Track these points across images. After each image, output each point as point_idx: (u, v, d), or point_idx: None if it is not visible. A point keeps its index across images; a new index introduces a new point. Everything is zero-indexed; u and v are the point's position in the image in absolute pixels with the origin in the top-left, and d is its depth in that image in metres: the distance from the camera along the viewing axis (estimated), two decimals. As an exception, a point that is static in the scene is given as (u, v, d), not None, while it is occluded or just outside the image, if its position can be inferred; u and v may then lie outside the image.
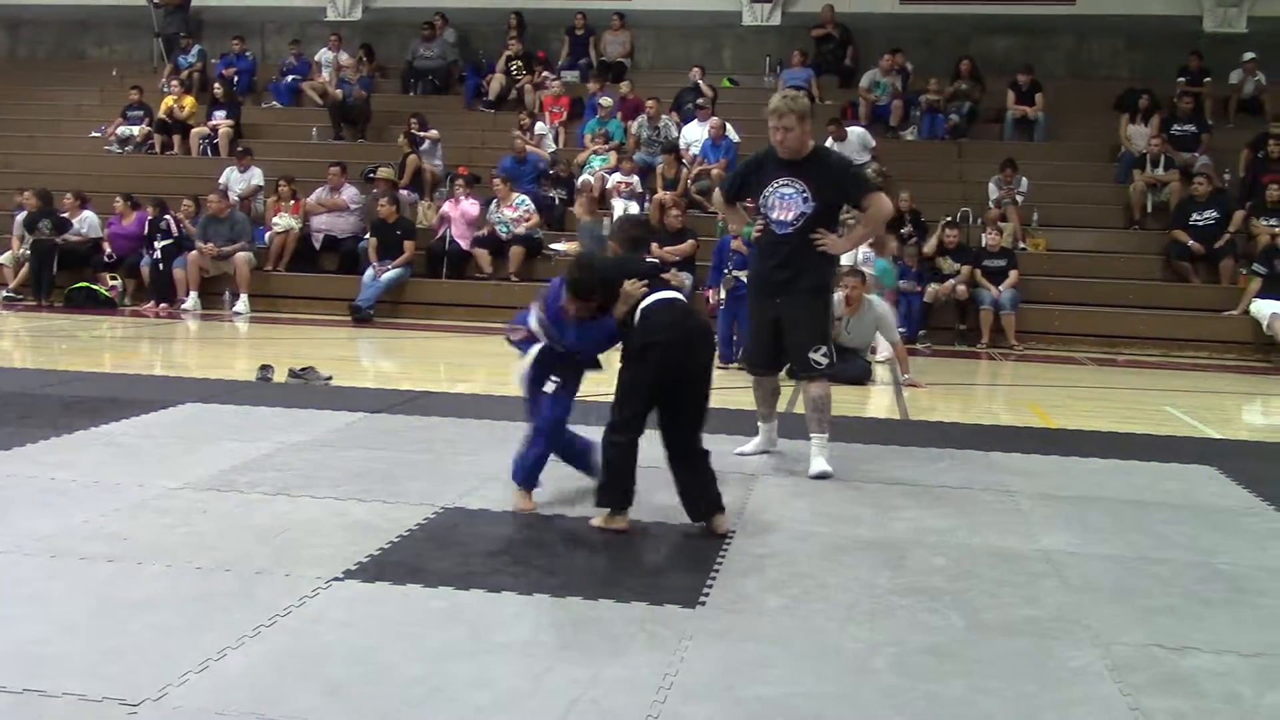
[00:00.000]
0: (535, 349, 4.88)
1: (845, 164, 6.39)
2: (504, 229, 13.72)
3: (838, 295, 9.38)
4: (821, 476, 5.63)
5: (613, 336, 4.69)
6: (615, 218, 12.83)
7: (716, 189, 6.46)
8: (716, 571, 4.05)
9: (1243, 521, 5.13)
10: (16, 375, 8.20)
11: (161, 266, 13.60)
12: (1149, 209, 14.28)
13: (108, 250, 13.94)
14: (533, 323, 4.87)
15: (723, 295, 9.95)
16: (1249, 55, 16.31)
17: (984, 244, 12.90)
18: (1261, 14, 17.41)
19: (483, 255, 13.61)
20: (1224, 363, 11.84)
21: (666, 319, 4.55)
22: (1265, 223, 13.05)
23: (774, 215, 5.69)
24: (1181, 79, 15.99)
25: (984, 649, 3.43)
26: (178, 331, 12.32)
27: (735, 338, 9.75)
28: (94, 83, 19.29)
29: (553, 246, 13.73)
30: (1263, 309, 12.05)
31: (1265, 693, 3.19)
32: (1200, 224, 13.25)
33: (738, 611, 3.69)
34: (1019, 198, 14.13)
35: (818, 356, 5.72)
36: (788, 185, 5.65)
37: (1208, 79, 16.14)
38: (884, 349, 9.80)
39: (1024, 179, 14.27)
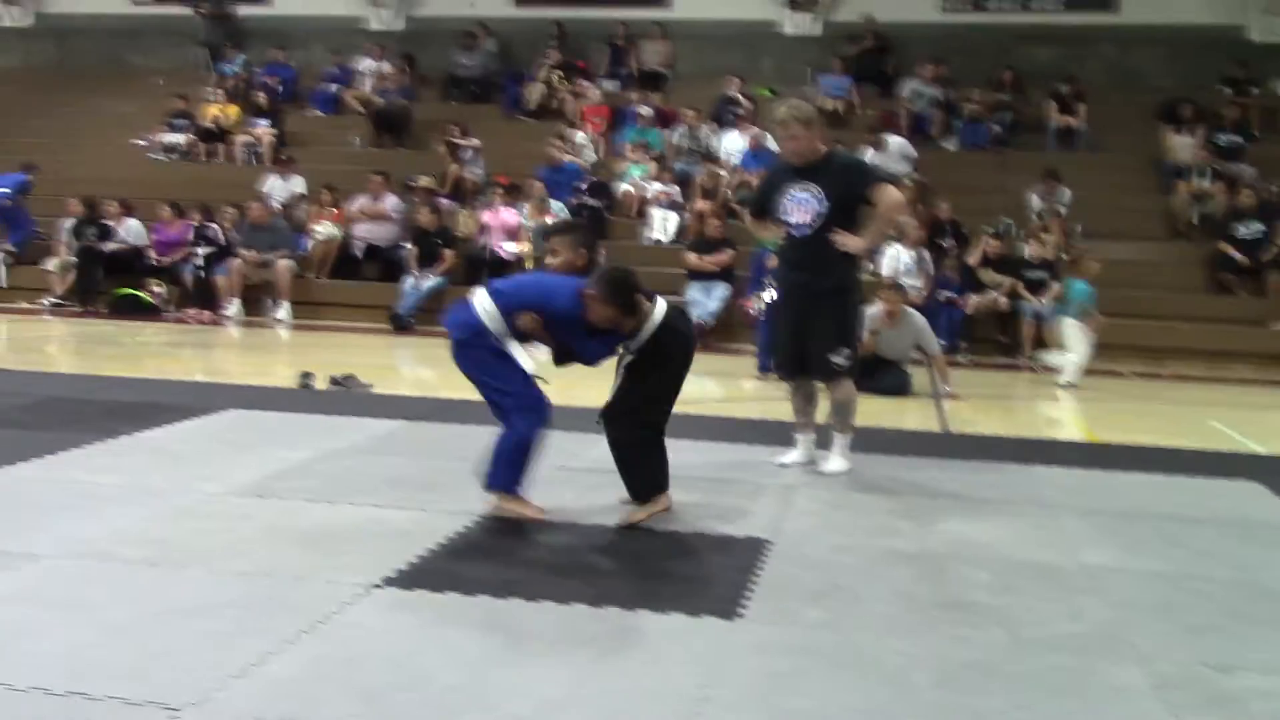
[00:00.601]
0: (539, 349, 4.90)
1: (853, 161, 6.47)
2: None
3: (876, 308, 9.36)
4: (837, 474, 5.73)
5: (614, 347, 4.77)
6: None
7: (745, 207, 6.63)
8: (755, 583, 4.03)
9: (1290, 538, 5.06)
10: (62, 380, 8.31)
11: (204, 273, 13.73)
12: (1193, 220, 14.12)
13: (152, 257, 14.09)
14: (486, 320, 4.77)
15: (763, 306, 9.94)
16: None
17: (1025, 255, 12.81)
18: (1309, 23, 17.20)
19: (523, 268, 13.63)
20: (1270, 377, 11.68)
21: (685, 327, 4.94)
22: (1312, 235, 12.89)
23: (791, 219, 5.79)
24: (1226, 89, 15.83)
25: (1026, 665, 3.40)
26: (220, 338, 12.43)
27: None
28: (139, 91, 19.50)
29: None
30: (1310, 322, 11.89)
31: (1313, 713, 3.14)
32: (1246, 236, 13.10)
33: (776, 624, 3.67)
34: (1061, 209, 14.02)
35: (839, 359, 5.76)
36: (802, 189, 5.75)
37: (1256, 89, 15.96)
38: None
39: (1066, 190, 14.15)
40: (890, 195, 5.89)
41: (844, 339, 5.83)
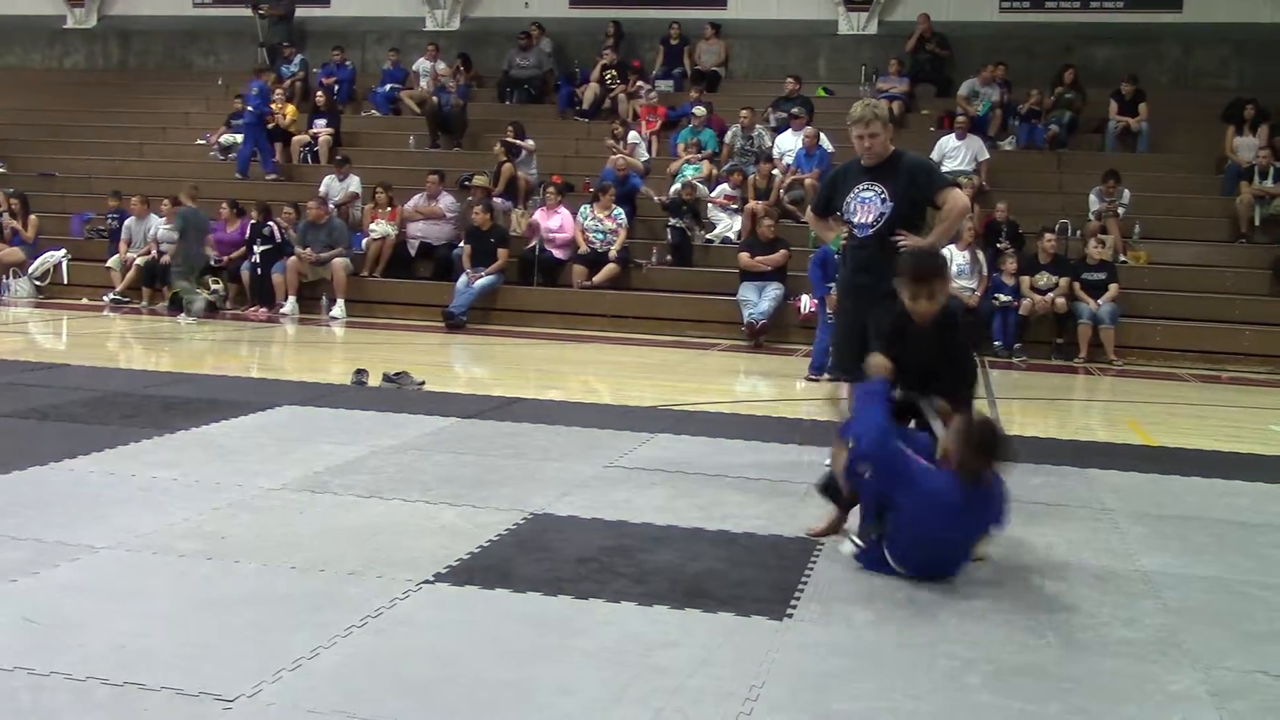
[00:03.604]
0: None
1: (921, 163, 6.39)
2: (599, 236, 13.78)
3: None
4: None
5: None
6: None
7: (809, 205, 6.60)
8: (805, 584, 4.01)
9: (1353, 546, 4.95)
10: (121, 376, 8.43)
11: (260, 271, 13.89)
12: (1256, 222, 13.88)
13: (211, 255, 14.27)
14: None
15: (829, 308, 9.88)
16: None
17: (1084, 256, 12.65)
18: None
19: (580, 270, 13.66)
20: (1334, 381, 11.45)
21: None
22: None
23: (855, 219, 5.77)
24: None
25: (1081, 669, 3.35)
26: (276, 335, 12.57)
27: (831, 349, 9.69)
28: (200, 91, 19.80)
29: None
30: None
31: (1377, 724, 3.07)
32: None
33: (826, 624, 3.65)
34: (1120, 210, 13.83)
35: None
36: (868, 190, 5.72)
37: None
38: None
39: (1126, 190, 13.96)
40: (957, 199, 5.85)
41: None
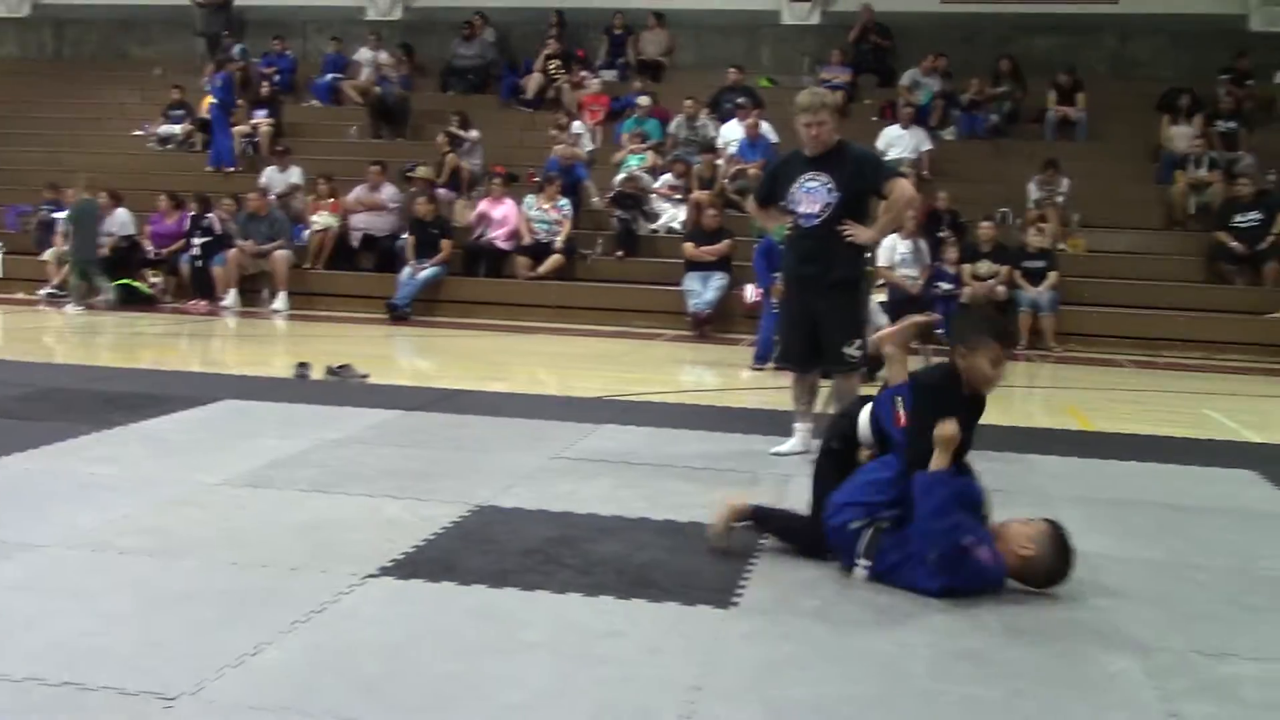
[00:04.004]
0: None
1: (866, 153, 6.45)
2: (544, 226, 13.75)
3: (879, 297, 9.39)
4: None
5: None
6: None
7: (750, 195, 6.59)
8: (750, 572, 4.03)
9: (1285, 527, 5.06)
10: (58, 371, 8.31)
11: (200, 264, 13.72)
12: (1191, 210, 14.12)
13: (149, 247, 14.07)
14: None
15: (774, 298, 9.91)
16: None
17: (1023, 245, 12.81)
18: (1307, 13, 17.19)
19: (524, 261, 13.62)
20: (1266, 366, 11.68)
21: None
22: (1310, 225, 12.89)
23: (800, 209, 5.77)
24: (1225, 77, 15.81)
25: (1021, 653, 3.40)
26: (217, 328, 12.43)
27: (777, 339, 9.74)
28: (137, 82, 19.50)
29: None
30: (1308, 311, 11.89)
31: (1307, 701, 3.14)
32: (1243, 225, 13.10)
33: (771, 613, 3.67)
34: (1059, 198, 14.01)
35: (851, 351, 5.78)
36: (813, 180, 5.74)
37: (1250, 81, 15.95)
38: None
39: (1065, 179, 14.14)
40: (904, 189, 5.89)
41: (857, 330, 5.87)
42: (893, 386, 4.14)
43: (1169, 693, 3.14)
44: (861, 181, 5.80)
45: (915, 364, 4.72)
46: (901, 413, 4.03)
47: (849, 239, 5.73)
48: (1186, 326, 12.49)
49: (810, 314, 5.85)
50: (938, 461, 3.88)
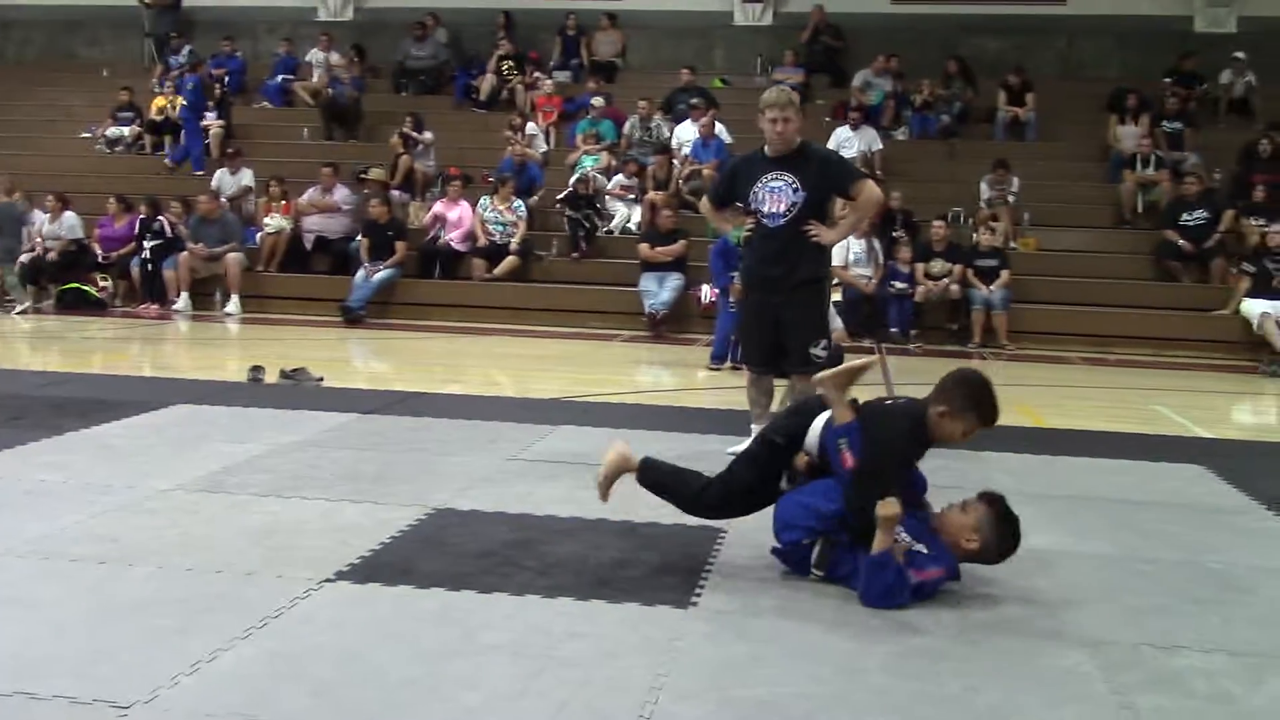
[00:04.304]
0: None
1: (832, 154, 6.47)
2: (499, 228, 13.71)
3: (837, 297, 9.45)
4: None
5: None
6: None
7: (705, 196, 6.50)
8: (708, 572, 4.04)
9: (1232, 520, 5.15)
10: (7, 376, 8.18)
11: (151, 267, 13.57)
12: (1139, 209, 14.32)
13: (98, 251, 13.90)
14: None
15: (732, 298, 9.94)
16: (1238, 55, 16.36)
17: (976, 244, 12.93)
18: (1252, 14, 17.46)
19: (480, 263, 13.58)
20: (1214, 362, 11.86)
21: None
22: (1254, 222, 13.09)
23: (764, 209, 5.73)
24: (1169, 79, 16.04)
25: (976, 648, 3.44)
26: (169, 332, 12.30)
27: (734, 338, 9.78)
28: (85, 83, 19.25)
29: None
30: (1252, 308, 12.07)
31: (1255, 691, 3.20)
32: (1190, 223, 13.28)
33: (730, 612, 3.69)
34: (1011, 197, 14.16)
35: (817, 350, 5.77)
36: (777, 179, 5.69)
37: (1202, 85, 16.18)
38: None
39: (1015, 179, 14.30)
40: (872, 191, 5.89)
41: (822, 331, 5.88)
42: (838, 427, 3.96)
43: (1121, 685, 3.19)
44: (828, 183, 5.80)
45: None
46: (847, 454, 3.89)
47: (814, 239, 5.75)
48: (1136, 324, 12.65)
49: (772, 315, 5.86)
50: (879, 541, 3.74)
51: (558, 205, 14.21)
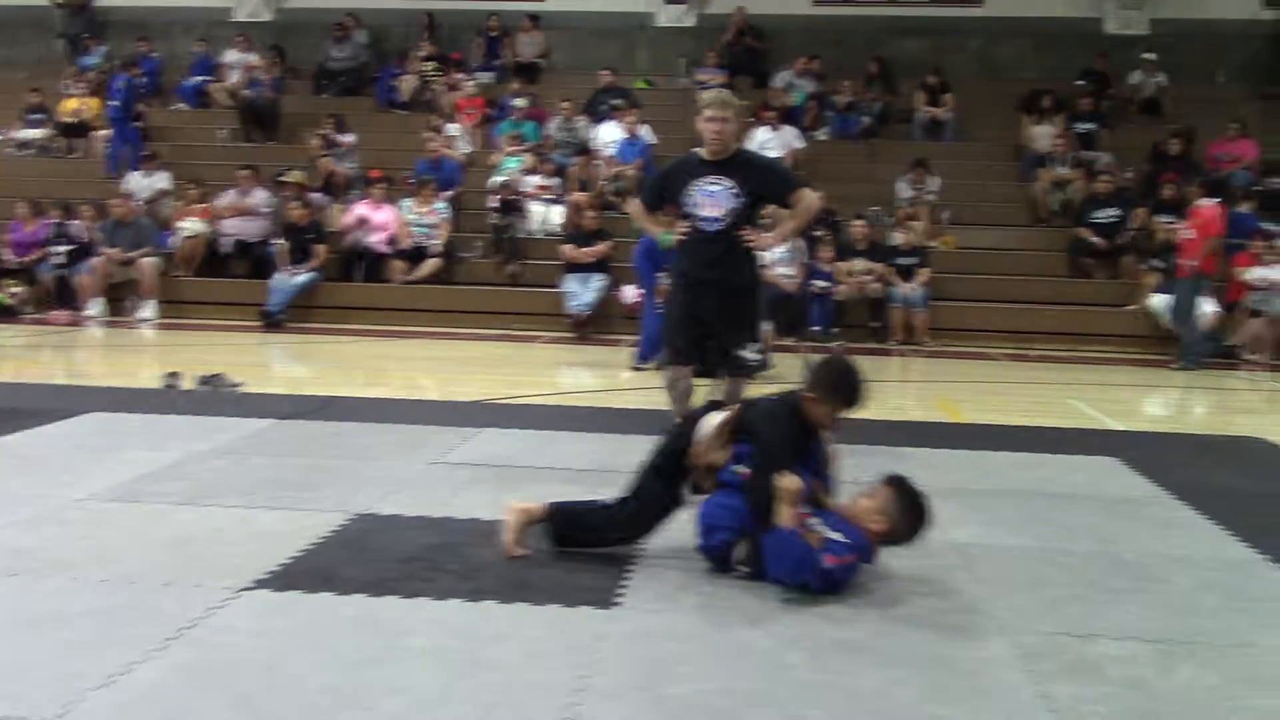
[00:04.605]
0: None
1: (771, 161, 6.49)
2: (421, 230, 13.62)
3: None
4: None
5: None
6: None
7: (635, 199, 6.41)
8: (631, 572, 4.05)
9: (1145, 511, 5.26)
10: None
11: (64, 273, 13.28)
12: (1054, 207, 14.60)
13: (8, 256, 13.57)
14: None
15: (658, 299, 9.95)
16: (1148, 56, 16.75)
17: (895, 242, 13.09)
18: (1162, 16, 17.88)
19: (401, 265, 13.47)
20: (1126, 356, 12.13)
21: None
22: (1164, 220, 13.41)
23: (700, 213, 5.69)
24: (1082, 81, 16.37)
25: (897, 641, 3.48)
26: (81, 339, 12.04)
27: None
28: (-6, 85, 18.78)
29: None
30: (1161, 304, 12.36)
31: (1166, 676, 3.28)
32: (1102, 221, 13.57)
33: (653, 611, 3.69)
34: (930, 197, 14.36)
35: (750, 354, 5.79)
36: (714, 183, 5.66)
37: (1110, 90, 16.53)
38: None
39: (936, 179, 14.50)
40: (811, 200, 5.94)
41: (756, 335, 5.89)
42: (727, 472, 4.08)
43: (1039, 674, 3.25)
44: (766, 189, 5.81)
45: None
46: (747, 470, 4.01)
47: (752, 246, 5.75)
48: (1052, 320, 12.90)
49: (704, 318, 5.86)
50: (783, 516, 3.82)
51: (490, 220, 14.08)
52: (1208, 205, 11.41)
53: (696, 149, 5.94)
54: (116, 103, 15.78)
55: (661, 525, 4.26)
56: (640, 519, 4.23)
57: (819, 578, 3.78)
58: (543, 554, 4.22)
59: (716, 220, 5.67)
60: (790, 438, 4.05)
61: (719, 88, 6.05)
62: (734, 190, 5.65)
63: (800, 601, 3.78)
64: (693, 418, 4.33)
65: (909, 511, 4.00)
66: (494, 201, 14.00)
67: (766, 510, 3.85)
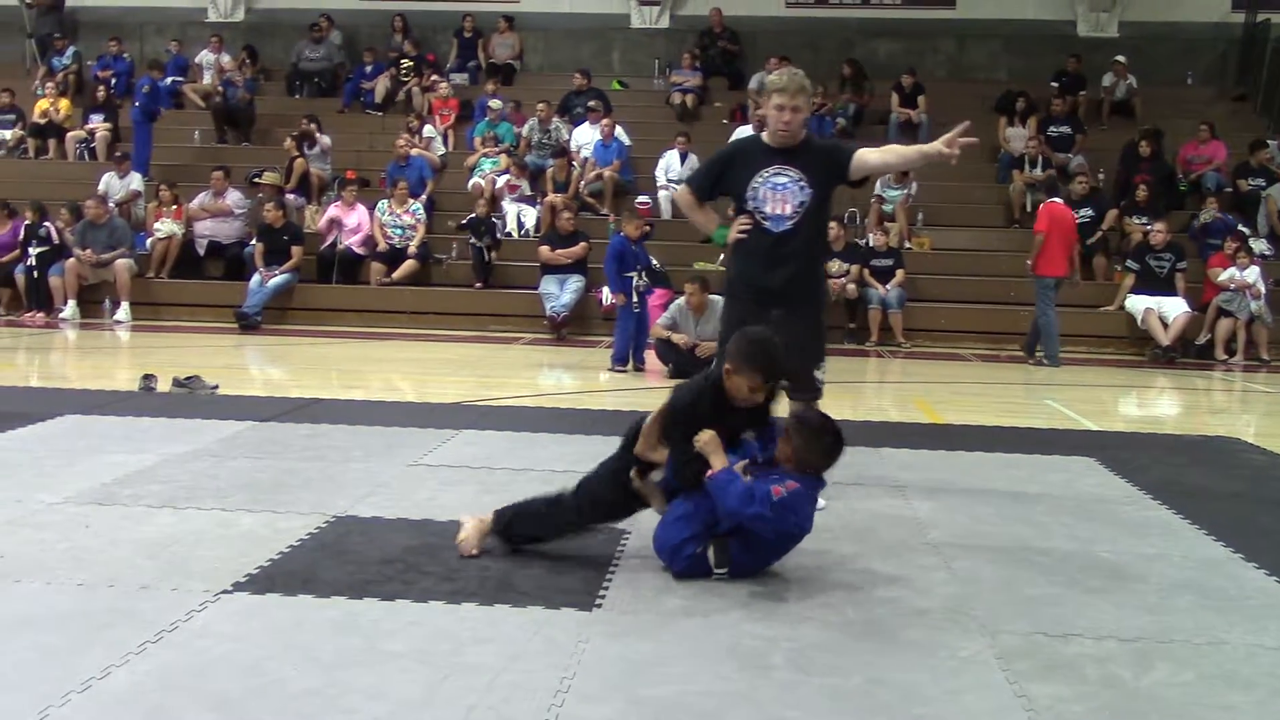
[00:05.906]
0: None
1: (831, 141, 6.04)
2: (398, 232, 13.58)
3: (682, 300, 9.54)
4: None
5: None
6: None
7: (684, 185, 5.50)
8: (612, 573, 4.05)
9: (1121, 511, 5.30)
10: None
11: (37, 274, 13.19)
12: (1028, 208, 14.67)
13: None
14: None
15: (635, 298, 9.98)
16: (1120, 59, 16.87)
17: (871, 244, 13.14)
18: (1132, 19, 18.02)
19: (378, 267, 13.43)
20: (1101, 357, 12.21)
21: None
22: (1137, 220, 13.51)
23: (766, 209, 5.02)
24: (1055, 83, 16.48)
25: (877, 642, 3.49)
26: (56, 341, 11.95)
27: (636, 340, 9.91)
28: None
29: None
30: (1136, 304, 12.47)
31: (1143, 675, 3.30)
32: (1076, 222, 13.62)
33: (635, 612, 3.69)
34: (899, 196, 14.42)
35: (821, 375, 5.20)
36: (780, 174, 5.00)
37: (1082, 92, 16.64)
38: None
39: (914, 182, 14.55)
40: (870, 152, 5.23)
41: (822, 351, 5.27)
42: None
43: (1017, 673, 3.26)
44: (834, 169, 5.07)
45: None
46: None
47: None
48: (1027, 320, 12.91)
49: (777, 333, 5.12)
50: (715, 463, 3.91)
51: (458, 226, 13.99)
52: (1053, 204, 11.48)
53: (759, 132, 5.23)
54: (137, 104, 15.57)
55: (614, 520, 4.32)
56: (596, 504, 4.23)
57: (774, 508, 3.83)
58: (524, 555, 4.22)
59: (785, 219, 5.00)
60: (702, 406, 4.06)
61: (791, 70, 5.17)
62: (802, 182, 4.98)
63: (781, 601, 3.79)
64: (638, 424, 4.30)
65: (806, 432, 4.04)
66: (464, 220, 13.87)
67: (699, 473, 3.93)
